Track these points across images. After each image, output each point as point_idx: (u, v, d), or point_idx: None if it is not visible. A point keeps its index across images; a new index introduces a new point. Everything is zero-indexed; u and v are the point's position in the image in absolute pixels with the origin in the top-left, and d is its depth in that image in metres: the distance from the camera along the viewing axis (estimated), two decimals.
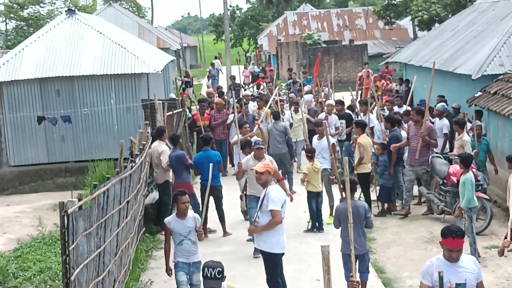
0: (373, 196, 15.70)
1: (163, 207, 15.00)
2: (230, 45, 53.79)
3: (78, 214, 7.77)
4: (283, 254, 10.21)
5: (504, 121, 15.89)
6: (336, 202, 13.39)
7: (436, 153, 16.01)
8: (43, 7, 65.58)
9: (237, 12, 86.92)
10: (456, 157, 15.16)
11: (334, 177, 13.94)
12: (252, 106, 21.76)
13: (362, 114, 18.22)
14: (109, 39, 22.66)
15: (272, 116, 18.53)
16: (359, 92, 25.84)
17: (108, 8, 53.71)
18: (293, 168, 18.94)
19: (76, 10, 25.61)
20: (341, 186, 10.47)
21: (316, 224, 14.34)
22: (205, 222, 13.60)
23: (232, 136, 18.67)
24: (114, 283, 10.06)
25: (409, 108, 18.51)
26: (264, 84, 28.18)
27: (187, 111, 22.27)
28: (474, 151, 14.74)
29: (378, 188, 15.90)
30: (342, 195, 10.92)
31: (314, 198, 14.37)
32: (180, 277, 10.00)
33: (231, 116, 19.51)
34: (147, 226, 14.78)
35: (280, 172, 13.55)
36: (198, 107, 21.23)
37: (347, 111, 19.60)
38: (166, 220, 10.18)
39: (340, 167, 18.01)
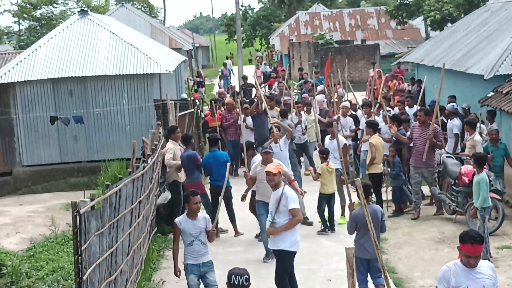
0: (384, 196, 15.67)
1: (174, 207, 15.05)
2: (242, 45, 53.82)
3: (91, 214, 7.81)
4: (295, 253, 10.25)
5: None
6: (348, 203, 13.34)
7: (448, 153, 15.99)
8: (56, 7, 65.92)
9: (249, 12, 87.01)
10: (467, 157, 15.15)
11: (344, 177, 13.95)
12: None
13: (366, 116, 18.04)
14: (121, 39, 22.74)
15: (280, 115, 18.51)
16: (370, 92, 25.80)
17: (120, 8, 53.88)
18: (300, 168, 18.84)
19: (88, 10, 25.70)
20: (349, 189, 10.42)
21: (327, 224, 14.33)
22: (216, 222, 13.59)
23: (243, 137, 18.49)
24: (126, 283, 10.10)
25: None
26: (276, 83, 28.18)
27: (200, 111, 22.33)
28: (489, 156, 14.54)
29: (390, 189, 15.87)
30: (350, 199, 10.87)
31: (325, 200, 14.35)
32: (191, 280, 9.80)
33: (241, 117, 19.47)
34: (159, 226, 14.82)
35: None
36: (209, 107, 21.24)
37: (353, 112, 19.59)
38: (176, 220, 10.01)
39: (352, 169, 18.04)
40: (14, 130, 21.81)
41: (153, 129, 18.16)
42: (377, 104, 18.66)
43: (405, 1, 45.83)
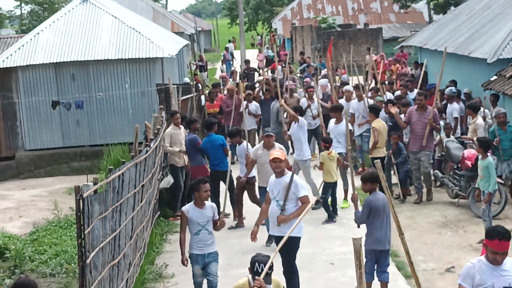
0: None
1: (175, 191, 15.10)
2: (245, 29, 53.67)
3: (94, 198, 7.82)
4: None
5: None
6: (350, 188, 13.26)
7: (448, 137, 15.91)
8: None
9: None
10: (470, 141, 15.11)
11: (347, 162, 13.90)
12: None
13: (357, 99, 17.83)
14: (123, 23, 22.70)
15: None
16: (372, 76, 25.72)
17: None
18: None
19: None
20: (353, 177, 10.26)
21: (332, 214, 14.18)
22: (218, 206, 13.58)
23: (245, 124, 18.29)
24: (129, 266, 10.13)
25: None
26: (280, 67, 28.11)
27: (202, 96, 22.30)
28: (496, 139, 14.40)
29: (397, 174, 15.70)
30: (354, 190, 10.63)
31: (330, 189, 14.25)
32: (197, 270, 9.68)
33: (243, 104, 19.31)
34: (162, 210, 14.85)
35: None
36: (207, 94, 21.20)
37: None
38: (184, 208, 9.78)
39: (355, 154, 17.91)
40: (17, 115, 21.83)
41: (155, 113, 18.15)
42: (370, 87, 18.43)
43: None
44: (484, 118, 15.80)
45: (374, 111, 15.55)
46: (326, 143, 14.52)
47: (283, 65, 26.71)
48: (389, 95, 18.76)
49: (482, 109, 16.30)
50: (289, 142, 17.77)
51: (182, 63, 31.70)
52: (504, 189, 13.67)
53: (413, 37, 30.15)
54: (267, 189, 10.36)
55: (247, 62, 32.92)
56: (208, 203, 9.80)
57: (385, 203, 9.59)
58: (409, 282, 10.86)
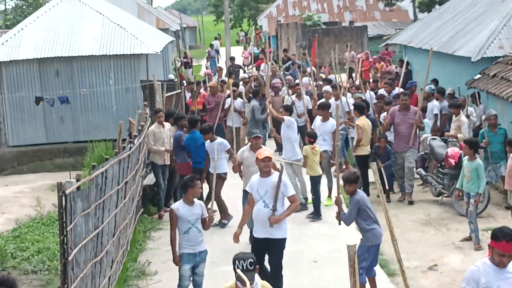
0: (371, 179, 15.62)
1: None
2: (230, 26, 53.60)
3: (76, 194, 7.78)
4: None
5: (503, 104, 15.88)
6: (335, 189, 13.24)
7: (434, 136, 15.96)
8: None
9: None
10: (453, 139, 15.15)
11: (334, 161, 13.91)
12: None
13: (333, 98, 17.79)
14: (108, 19, 22.59)
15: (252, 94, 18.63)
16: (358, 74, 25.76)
17: None
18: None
19: None
20: (338, 178, 10.26)
21: (320, 213, 14.18)
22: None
23: (232, 121, 18.20)
24: (112, 264, 10.10)
25: (402, 90, 18.51)
26: (263, 65, 28.07)
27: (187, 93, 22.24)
28: (484, 140, 14.42)
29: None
30: (338, 192, 10.56)
31: (319, 185, 14.24)
32: (184, 271, 9.50)
33: (228, 100, 19.28)
34: (145, 207, 14.81)
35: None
36: (190, 91, 21.24)
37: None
38: (173, 206, 9.60)
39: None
40: (0, 110, 21.68)
41: (139, 110, 18.09)
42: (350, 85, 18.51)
43: None
44: (468, 117, 15.88)
45: (358, 108, 15.57)
46: (310, 137, 14.50)
47: (272, 62, 26.68)
48: (372, 94, 18.76)
49: (466, 107, 16.41)
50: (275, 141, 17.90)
51: (167, 59, 31.59)
52: (487, 188, 13.72)
53: (398, 35, 30.21)
54: (248, 189, 10.13)
55: (232, 59, 32.86)
56: (197, 200, 9.73)
57: (368, 199, 9.86)
58: (391, 280, 10.89)
